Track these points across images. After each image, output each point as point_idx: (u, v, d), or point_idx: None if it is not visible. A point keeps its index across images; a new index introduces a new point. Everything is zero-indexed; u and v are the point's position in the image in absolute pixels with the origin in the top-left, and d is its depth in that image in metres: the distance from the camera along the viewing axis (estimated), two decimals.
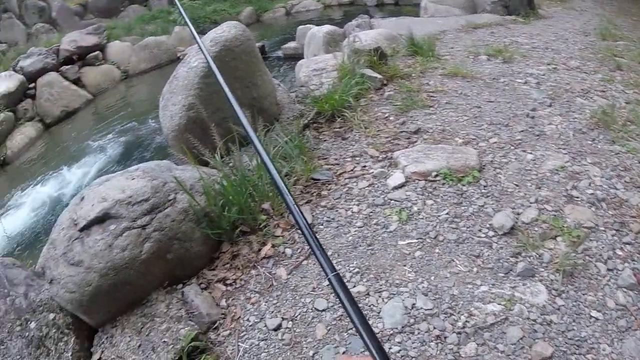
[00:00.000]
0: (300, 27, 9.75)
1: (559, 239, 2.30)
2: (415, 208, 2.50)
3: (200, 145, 2.83)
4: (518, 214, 2.47)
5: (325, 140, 3.29)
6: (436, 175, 2.71)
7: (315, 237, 0.86)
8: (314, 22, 13.45)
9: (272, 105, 3.62)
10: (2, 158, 9.13)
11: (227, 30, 3.30)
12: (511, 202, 2.57)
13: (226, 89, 1.39)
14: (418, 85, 4.00)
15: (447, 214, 2.45)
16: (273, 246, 2.44)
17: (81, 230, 2.33)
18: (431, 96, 3.79)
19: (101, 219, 2.32)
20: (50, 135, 10.39)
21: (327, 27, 6.36)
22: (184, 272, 2.50)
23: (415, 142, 3.13)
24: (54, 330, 2.46)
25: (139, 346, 2.24)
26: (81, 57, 12.45)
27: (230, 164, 2.80)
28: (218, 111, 3.15)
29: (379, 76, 4.00)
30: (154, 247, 2.33)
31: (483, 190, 2.64)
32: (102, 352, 2.35)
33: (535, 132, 3.25)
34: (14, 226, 6.39)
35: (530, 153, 3.01)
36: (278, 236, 2.50)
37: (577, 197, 2.58)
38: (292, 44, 9.81)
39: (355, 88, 3.64)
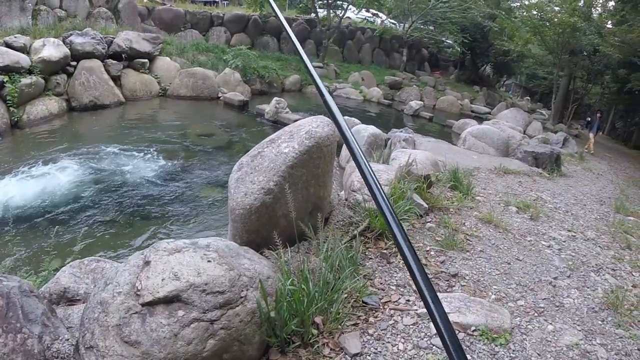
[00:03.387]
0: (345, 117, 10.24)
1: None
2: None
3: (264, 233, 3.04)
4: None
5: (371, 259, 3.53)
6: (474, 330, 2.94)
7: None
8: (350, 110, 14.09)
9: (327, 205, 3.88)
10: (16, 119, 9.18)
11: (321, 126, 3.42)
12: None
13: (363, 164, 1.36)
14: (455, 223, 4.33)
15: None
16: None
17: (144, 304, 2.16)
18: (467, 239, 4.10)
19: (169, 300, 2.17)
20: (71, 120, 10.43)
21: (372, 129, 6.83)
22: None
23: (454, 286, 3.40)
24: None
25: None
26: (129, 58, 12.72)
27: (289, 263, 2.97)
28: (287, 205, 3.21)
29: (425, 204, 4.33)
30: (217, 346, 2.22)
31: (512, 355, 2.87)
32: None
33: (555, 303, 3.53)
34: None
35: (551, 324, 3.27)
36: (326, 356, 2.60)
37: None
38: None
39: (405, 214, 3.94)
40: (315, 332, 2.67)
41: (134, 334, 2.10)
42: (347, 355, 2.66)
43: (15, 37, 10.01)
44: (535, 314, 3.33)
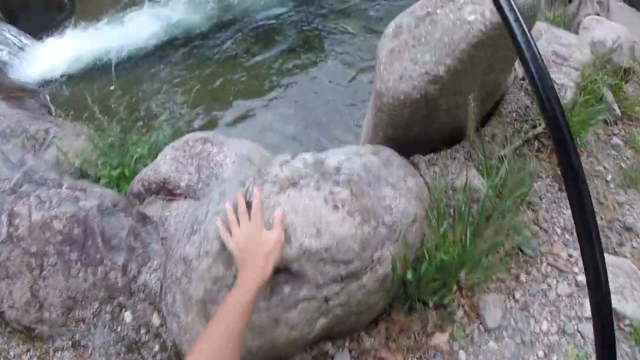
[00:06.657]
0: None
1: None
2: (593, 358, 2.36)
3: (416, 130, 2.40)
4: None
5: (540, 178, 2.90)
6: (627, 325, 2.45)
7: None
8: None
9: (502, 90, 3.10)
10: None
11: None
12: None
13: None
14: None
15: None
16: (451, 337, 2.18)
17: None
18: None
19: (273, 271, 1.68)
20: None
21: None
22: (339, 333, 2.02)
23: (624, 246, 2.82)
24: (157, 346, 1.95)
25: None
26: None
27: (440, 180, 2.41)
28: (454, 96, 2.33)
29: (618, 111, 3.43)
30: (329, 324, 1.76)
31: None
32: None
33: None
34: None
35: None
36: (457, 322, 2.21)
37: None
38: None
39: (595, 117, 3.11)
40: (455, 287, 2.20)
41: None
42: (481, 326, 2.29)
43: None
44: None
